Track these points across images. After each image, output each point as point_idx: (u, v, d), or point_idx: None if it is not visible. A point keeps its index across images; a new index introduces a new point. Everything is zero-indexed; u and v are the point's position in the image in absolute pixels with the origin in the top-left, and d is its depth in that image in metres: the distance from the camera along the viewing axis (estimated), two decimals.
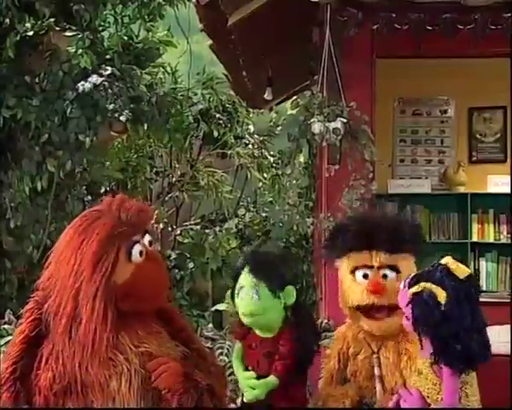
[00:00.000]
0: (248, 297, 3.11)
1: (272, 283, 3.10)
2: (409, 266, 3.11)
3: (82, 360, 2.49)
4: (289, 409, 3.15)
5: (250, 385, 3.12)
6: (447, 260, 2.77)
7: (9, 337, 4.47)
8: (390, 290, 3.06)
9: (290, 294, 3.14)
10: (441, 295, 2.66)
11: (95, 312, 2.47)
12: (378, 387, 3.12)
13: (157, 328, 2.65)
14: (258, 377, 3.13)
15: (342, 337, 3.31)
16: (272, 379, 3.08)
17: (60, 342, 2.53)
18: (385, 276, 3.11)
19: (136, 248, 2.59)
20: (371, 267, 3.13)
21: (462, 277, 2.72)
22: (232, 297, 3.23)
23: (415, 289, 2.72)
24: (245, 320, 3.18)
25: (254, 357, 3.18)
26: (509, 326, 4.15)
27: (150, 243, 2.68)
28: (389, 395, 3.03)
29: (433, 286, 2.69)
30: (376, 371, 3.14)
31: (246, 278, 3.14)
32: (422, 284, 2.71)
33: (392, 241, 3.11)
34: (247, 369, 3.20)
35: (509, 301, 5.95)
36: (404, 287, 2.80)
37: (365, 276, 3.14)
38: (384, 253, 3.11)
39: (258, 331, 3.21)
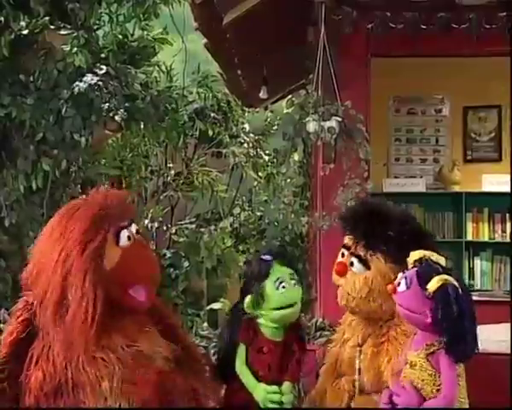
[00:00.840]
0: (291, 286, 3.10)
1: (298, 274, 3.17)
2: (379, 267, 3.09)
3: (71, 350, 2.44)
4: None
5: (274, 399, 3.02)
6: (424, 254, 2.78)
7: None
8: (349, 279, 3.13)
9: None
10: (457, 286, 2.68)
11: (84, 296, 2.43)
12: (356, 382, 3.14)
13: (148, 326, 2.63)
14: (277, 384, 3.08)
15: (343, 323, 3.35)
16: (290, 386, 3.05)
17: (48, 331, 2.49)
18: (351, 264, 3.15)
19: (124, 233, 2.58)
20: (348, 249, 3.18)
21: (444, 265, 2.77)
22: (257, 303, 3.11)
23: (435, 284, 2.67)
24: (282, 313, 3.10)
25: (266, 362, 3.09)
26: (503, 325, 4.16)
27: (137, 231, 2.67)
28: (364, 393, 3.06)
29: (449, 278, 2.69)
30: (356, 364, 3.15)
31: (281, 270, 3.12)
32: (440, 277, 2.68)
33: (377, 238, 3.10)
34: (253, 374, 3.10)
35: (503, 299, 5.97)
36: (408, 288, 2.75)
37: (342, 255, 3.21)
38: (363, 243, 3.13)
39: (269, 335, 3.14)
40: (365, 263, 3.12)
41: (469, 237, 6.92)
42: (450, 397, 2.68)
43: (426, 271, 2.74)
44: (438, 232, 7.03)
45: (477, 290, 6.58)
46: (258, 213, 10.02)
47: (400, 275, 2.84)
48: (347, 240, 3.21)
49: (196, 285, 8.98)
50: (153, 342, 2.59)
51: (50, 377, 2.47)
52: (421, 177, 7.07)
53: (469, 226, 6.92)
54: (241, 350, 3.13)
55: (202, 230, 9.07)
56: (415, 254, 2.81)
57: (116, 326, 2.53)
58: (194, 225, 9.31)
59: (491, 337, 4.00)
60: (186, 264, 8.51)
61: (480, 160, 7.16)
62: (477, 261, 6.96)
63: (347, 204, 4.75)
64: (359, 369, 3.14)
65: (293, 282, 3.11)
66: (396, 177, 7.11)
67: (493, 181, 6.70)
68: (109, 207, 2.59)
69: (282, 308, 3.08)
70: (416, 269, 2.77)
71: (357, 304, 3.16)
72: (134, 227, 2.65)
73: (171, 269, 8.36)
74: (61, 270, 2.46)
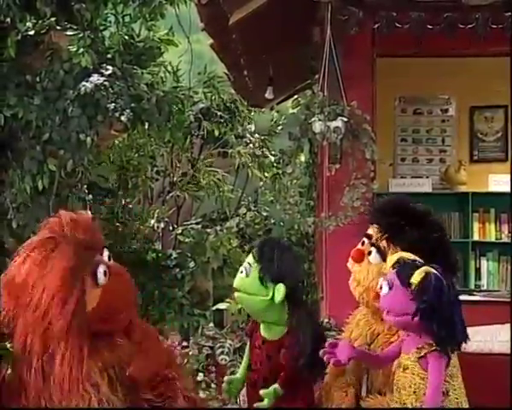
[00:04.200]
0: (239, 272, 3.16)
1: (265, 270, 3.09)
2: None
3: (61, 398, 2.36)
4: (290, 409, 3.12)
5: (261, 394, 3.04)
6: (400, 255, 2.80)
7: None
8: (363, 267, 3.15)
9: (279, 291, 3.07)
10: (438, 273, 2.68)
11: (68, 348, 2.36)
12: (364, 381, 3.14)
13: (119, 341, 2.55)
14: (263, 386, 3.08)
15: (351, 322, 3.35)
16: (277, 388, 3.03)
17: (33, 383, 2.38)
18: (369, 253, 3.17)
19: (101, 270, 2.48)
20: (370, 238, 3.19)
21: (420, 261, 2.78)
22: None
23: (418, 276, 2.67)
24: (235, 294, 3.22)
25: (258, 358, 3.17)
26: (510, 325, 4.14)
27: (109, 257, 2.57)
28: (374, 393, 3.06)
29: (431, 269, 2.68)
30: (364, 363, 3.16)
31: (249, 256, 3.17)
32: (422, 269, 2.68)
33: (403, 236, 3.08)
34: (249, 367, 3.21)
35: (510, 300, 5.94)
36: (391, 289, 2.74)
37: (362, 243, 3.23)
38: (387, 236, 3.13)
39: (262, 331, 3.19)
40: (383, 255, 3.11)
41: (476, 238, 6.90)
42: (434, 404, 2.66)
43: (405, 269, 2.73)
44: None
45: (483, 291, 6.55)
46: (264, 214, 10.03)
47: (380, 280, 2.83)
48: (371, 230, 3.20)
49: (202, 286, 8.99)
50: (123, 356, 2.52)
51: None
52: (428, 177, 7.05)
53: (476, 226, 6.90)
54: (248, 343, 3.29)
55: (208, 230, 9.08)
56: (392, 258, 2.81)
57: (92, 352, 2.45)
58: (200, 226, 9.32)
59: (497, 338, 3.99)
60: (192, 264, 8.52)
61: (487, 160, 7.15)
62: (483, 262, 6.93)
63: (353, 204, 4.75)
64: (367, 368, 3.14)
65: (240, 270, 3.17)
66: (402, 177, 7.10)
67: (500, 181, 6.67)
68: (82, 248, 2.45)
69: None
70: (394, 271, 2.76)
71: (366, 293, 3.17)
72: (106, 254, 2.56)
73: (177, 269, 8.36)
74: (40, 323, 2.37)
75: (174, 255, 8.54)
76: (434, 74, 6.55)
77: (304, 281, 7.57)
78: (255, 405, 3.07)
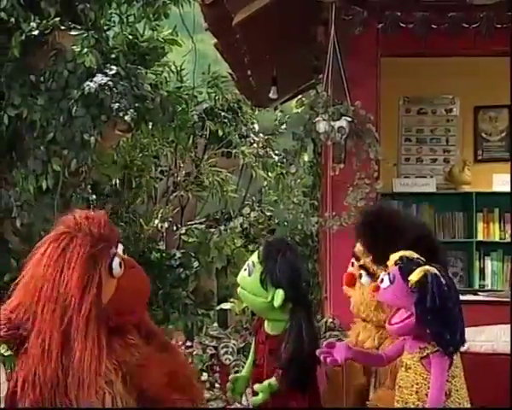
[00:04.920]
0: (243, 269, 3.21)
1: (267, 273, 3.11)
2: None
3: (78, 392, 2.37)
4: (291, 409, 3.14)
5: (255, 389, 3.11)
6: (403, 254, 2.80)
7: None
8: (358, 291, 3.21)
9: (277, 296, 3.09)
10: (439, 275, 2.68)
11: (88, 342, 2.37)
12: (372, 381, 3.15)
13: (131, 339, 2.56)
14: (261, 381, 3.12)
15: (357, 324, 3.38)
16: (272, 382, 3.07)
17: (49, 377, 2.38)
18: (360, 275, 3.22)
19: (116, 261, 2.51)
20: (358, 259, 3.24)
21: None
22: None
23: (417, 275, 2.67)
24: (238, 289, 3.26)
25: (262, 353, 3.20)
26: None
27: (124, 251, 2.61)
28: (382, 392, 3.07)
29: (431, 268, 2.69)
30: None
31: (254, 254, 3.21)
32: (422, 268, 2.69)
33: (384, 254, 3.06)
34: (254, 363, 3.26)
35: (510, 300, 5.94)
36: (392, 283, 2.75)
37: (352, 264, 3.29)
38: (372, 257, 3.17)
39: (266, 326, 3.22)
40: (373, 276, 3.15)
41: (480, 237, 6.89)
42: (437, 404, 2.67)
43: (408, 265, 2.75)
44: (448, 232, 7.00)
45: (488, 291, 6.54)
46: (268, 213, 10.03)
47: (382, 273, 2.84)
48: (357, 249, 3.22)
49: (206, 285, 9.00)
50: (136, 353, 2.53)
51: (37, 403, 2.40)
52: (432, 177, 7.03)
53: (480, 226, 6.89)
54: (254, 340, 3.34)
55: (212, 230, 9.09)
56: (394, 256, 2.82)
57: (107, 350, 2.46)
58: (203, 226, 9.33)
59: (502, 338, 3.99)
60: (196, 264, 8.53)
61: (491, 159, 7.13)
62: (488, 262, 6.92)
63: (357, 204, 4.75)
64: (376, 371, 3.15)
65: (244, 267, 3.22)
66: (406, 177, 7.08)
67: (504, 181, 6.65)
68: (98, 240, 2.48)
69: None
70: (397, 265, 2.78)
71: (367, 314, 3.23)
72: (120, 248, 2.59)
73: (181, 269, 8.38)
74: (60, 317, 2.39)
75: (178, 255, 8.55)
76: (438, 74, 6.53)
77: (308, 282, 7.59)
78: (250, 399, 3.10)
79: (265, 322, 3.25)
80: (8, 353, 2.36)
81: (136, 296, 2.58)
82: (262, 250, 3.19)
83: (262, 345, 3.22)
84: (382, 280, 2.79)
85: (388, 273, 2.79)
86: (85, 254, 2.42)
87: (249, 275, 3.16)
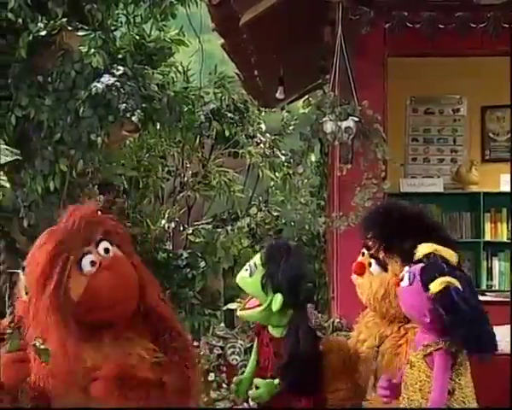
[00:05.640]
0: (244, 269, 3.20)
1: (268, 276, 3.10)
2: (395, 269, 3.11)
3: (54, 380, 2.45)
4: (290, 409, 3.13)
5: (255, 384, 3.13)
6: (434, 249, 2.76)
7: None
8: (366, 280, 3.19)
9: (276, 301, 3.08)
10: (460, 287, 2.65)
11: (54, 335, 2.41)
12: (371, 383, 3.14)
13: (126, 333, 2.62)
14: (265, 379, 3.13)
15: (360, 323, 3.39)
16: (275, 382, 3.08)
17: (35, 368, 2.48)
18: (370, 264, 3.21)
19: (87, 259, 2.54)
20: (369, 249, 3.23)
21: (454, 261, 2.74)
22: None
23: (438, 286, 2.64)
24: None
25: (266, 355, 3.20)
26: None
27: (106, 250, 2.61)
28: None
29: (452, 279, 2.66)
30: (373, 364, 3.17)
31: (257, 255, 3.20)
32: (443, 280, 2.65)
33: (395, 243, 3.12)
34: (258, 364, 3.26)
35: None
36: (411, 284, 2.74)
37: (362, 254, 3.27)
38: (382, 246, 3.16)
39: (270, 329, 3.21)
40: (383, 265, 3.15)
41: (487, 238, 6.87)
42: (438, 403, 2.66)
43: (430, 269, 2.71)
44: (456, 233, 6.98)
45: (495, 291, 6.53)
46: (275, 214, 10.02)
47: (406, 269, 2.83)
48: (369, 239, 3.23)
49: (213, 285, 9.00)
50: (129, 350, 2.58)
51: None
52: (439, 177, 7.02)
53: (487, 227, 6.87)
54: (256, 342, 3.33)
55: (219, 230, 9.09)
56: (424, 248, 2.79)
57: (90, 339, 2.54)
58: (210, 226, 9.33)
59: (509, 338, 3.98)
60: (203, 264, 8.53)
61: (499, 159, 7.11)
62: (495, 262, 6.91)
63: (364, 204, 4.74)
64: (376, 369, 3.14)
65: (245, 267, 3.20)
66: (413, 177, 7.07)
67: None
68: (71, 236, 2.54)
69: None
70: (420, 266, 2.75)
71: (373, 304, 3.21)
72: (102, 247, 2.61)
73: (188, 269, 8.38)
74: (29, 309, 2.48)
75: (185, 255, 8.56)
76: (446, 74, 6.52)
77: (314, 282, 7.58)
78: (249, 393, 3.10)
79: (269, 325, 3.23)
80: (43, 346, 2.39)
81: (107, 296, 2.57)
82: (265, 252, 3.18)
83: (266, 347, 3.20)
84: (403, 278, 2.79)
85: (409, 272, 2.77)
86: (50, 252, 2.49)
87: (250, 276, 3.16)
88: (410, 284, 2.75)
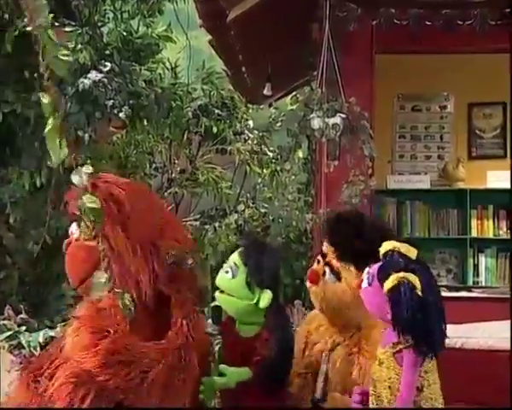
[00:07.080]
0: (223, 271, 3.17)
1: (253, 274, 3.07)
2: (349, 279, 3.10)
3: None
4: (278, 408, 3.11)
5: (221, 370, 3.05)
6: (393, 245, 2.75)
7: (8, 333, 4.48)
8: (320, 288, 3.17)
9: (265, 298, 3.06)
10: (416, 282, 2.64)
11: None
12: (320, 384, 3.13)
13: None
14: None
15: (309, 321, 3.38)
16: (245, 370, 3.02)
17: None
18: (324, 273, 3.18)
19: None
20: (324, 257, 3.21)
21: (414, 257, 2.73)
22: None
23: (390, 283, 2.65)
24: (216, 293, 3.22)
25: (232, 355, 3.12)
26: (508, 322, 4.15)
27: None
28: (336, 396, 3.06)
29: (406, 275, 2.65)
30: (323, 368, 3.16)
31: (234, 255, 3.16)
32: (396, 276, 2.65)
33: (349, 251, 3.11)
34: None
35: (508, 296, 5.95)
36: (370, 285, 2.75)
37: (318, 262, 3.24)
38: (336, 254, 3.16)
39: (238, 329, 3.18)
40: (336, 274, 3.14)
41: (474, 234, 6.90)
42: (407, 400, 2.66)
43: (386, 267, 2.71)
44: (442, 229, 7.02)
45: (482, 287, 6.56)
46: (263, 210, 10.01)
47: (366, 270, 2.83)
48: (325, 247, 3.22)
49: (200, 282, 8.97)
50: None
51: None
52: (426, 173, 7.05)
53: (474, 223, 6.90)
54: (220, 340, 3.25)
55: (207, 226, 9.08)
56: (386, 246, 2.78)
57: None
58: (198, 222, 9.31)
59: (496, 334, 4.00)
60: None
61: (485, 156, 7.14)
62: (482, 258, 6.94)
63: (352, 201, 4.75)
64: (326, 373, 3.14)
65: (225, 269, 3.18)
66: (400, 174, 7.10)
67: (498, 178, 6.67)
68: None
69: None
70: (378, 265, 2.75)
71: (326, 313, 3.22)
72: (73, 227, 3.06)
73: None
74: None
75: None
76: (433, 71, 6.54)
77: (302, 279, 7.58)
78: (215, 378, 3.04)
79: (237, 324, 3.20)
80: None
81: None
82: (244, 251, 3.14)
83: (233, 347, 3.14)
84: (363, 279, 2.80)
85: (368, 273, 2.78)
86: None
87: (233, 277, 3.11)
88: (370, 285, 2.76)
